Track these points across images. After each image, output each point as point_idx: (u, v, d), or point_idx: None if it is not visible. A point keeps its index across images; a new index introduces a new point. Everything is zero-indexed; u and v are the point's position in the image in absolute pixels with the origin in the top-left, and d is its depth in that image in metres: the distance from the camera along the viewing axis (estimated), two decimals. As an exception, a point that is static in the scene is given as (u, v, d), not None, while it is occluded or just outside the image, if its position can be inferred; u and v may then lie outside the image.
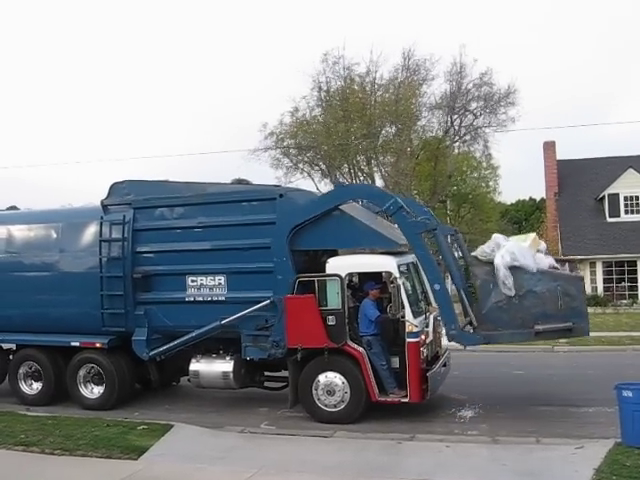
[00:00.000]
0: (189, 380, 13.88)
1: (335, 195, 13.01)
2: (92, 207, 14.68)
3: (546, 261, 12.36)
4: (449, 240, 13.63)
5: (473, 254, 12.59)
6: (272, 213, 12.57)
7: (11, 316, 14.57)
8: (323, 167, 42.97)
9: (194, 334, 13.00)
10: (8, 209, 16.97)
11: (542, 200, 51.87)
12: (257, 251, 12.60)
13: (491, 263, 11.89)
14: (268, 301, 12.41)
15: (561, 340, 21.24)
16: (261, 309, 12.47)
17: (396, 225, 12.65)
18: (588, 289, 33.84)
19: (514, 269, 11.70)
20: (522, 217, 68.54)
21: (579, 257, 33.14)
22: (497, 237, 12.60)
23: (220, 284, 12.94)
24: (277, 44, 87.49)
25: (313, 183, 42.36)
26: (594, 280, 34.35)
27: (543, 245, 13.10)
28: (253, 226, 12.67)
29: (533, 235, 13.27)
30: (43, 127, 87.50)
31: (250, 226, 12.70)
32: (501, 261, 11.72)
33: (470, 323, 11.93)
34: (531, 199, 71.20)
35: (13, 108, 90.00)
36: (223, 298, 12.88)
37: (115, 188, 14.04)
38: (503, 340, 12.38)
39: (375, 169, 42.64)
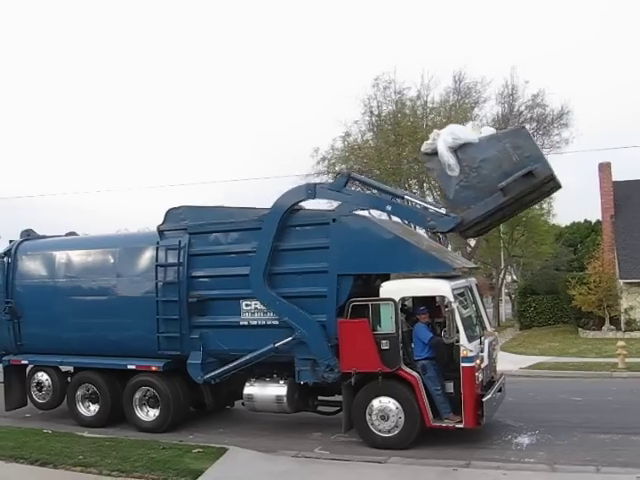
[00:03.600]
0: (243, 404, 13.96)
1: (276, 210, 12.98)
2: (148, 233, 14.99)
3: None
4: None
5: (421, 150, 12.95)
6: (325, 237, 12.63)
7: (70, 339, 14.86)
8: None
9: (248, 357, 13.06)
10: (67, 235, 17.33)
11: (598, 222, 50.74)
12: (310, 275, 12.67)
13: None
14: (291, 338, 12.57)
15: (620, 366, 20.88)
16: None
17: (449, 248, 12.69)
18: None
19: (461, 148, 11.99)
20: (577, 239, 67.18)
21: (637, 280, 32.34)
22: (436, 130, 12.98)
23: (274, 308, 13.01)
24: (329, 70, 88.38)
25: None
26: (653, 304, 33.39)
27: (489, 129, 13.17)
28: (306, 250, 12.75)
29: (471, 122, 13.76)
30: (111, 154, 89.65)
31: (303, 251, 12.78)
32: (444, 144, 12.03)
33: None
34: (586, 221, 69.79)
35: (77, 135, 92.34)
36: (277, 322, 12.91)
37: (171, 214, 14.25)
38: (478, 213, 12.22)
39: (427, 193, 42.45)
